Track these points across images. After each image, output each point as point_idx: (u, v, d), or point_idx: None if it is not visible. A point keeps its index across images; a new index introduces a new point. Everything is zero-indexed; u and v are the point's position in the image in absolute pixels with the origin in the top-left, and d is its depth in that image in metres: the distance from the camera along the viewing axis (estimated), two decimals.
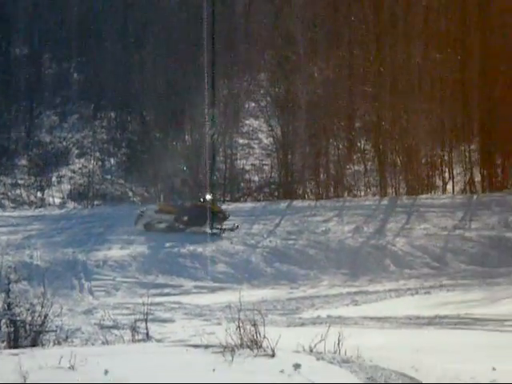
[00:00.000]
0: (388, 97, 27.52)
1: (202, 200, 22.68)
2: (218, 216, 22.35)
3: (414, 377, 7.33)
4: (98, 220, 24.28)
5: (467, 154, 27.77)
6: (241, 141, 30.98)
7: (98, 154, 30.18)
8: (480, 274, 19.44)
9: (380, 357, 8.71)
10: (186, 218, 22.28)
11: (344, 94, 28.94)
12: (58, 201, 27.94)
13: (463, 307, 14.57)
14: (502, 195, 25.17)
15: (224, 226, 22.33)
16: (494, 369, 7.85)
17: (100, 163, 29.93)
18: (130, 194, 28.64)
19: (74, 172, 29.76)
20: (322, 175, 28.50)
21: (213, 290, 18.87)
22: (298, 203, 25.69)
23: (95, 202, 27.64)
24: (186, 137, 29.18)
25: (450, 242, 21.68)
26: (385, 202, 25.68)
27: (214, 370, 7.72)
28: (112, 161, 30.15)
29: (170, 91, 28.90)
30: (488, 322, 12.69)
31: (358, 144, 29.66)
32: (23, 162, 30.33)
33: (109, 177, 29.30)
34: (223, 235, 22.00)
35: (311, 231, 22.54)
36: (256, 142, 31.48)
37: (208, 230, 21.96)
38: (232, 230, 22.25)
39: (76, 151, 30.88)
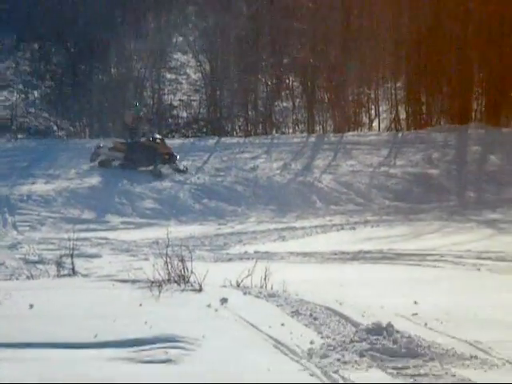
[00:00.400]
0: (317, 33, 27.46)
1: (151, 139, 22.11)
2: (166, 157, 21.88)
3: (337, 310, 7.47)
4: (21, 154, 23.82)
5: (393, 92, 28.04)
6: (168, 76, 30.58)
7: (21, 87, 29.43)
8: (403, 210, 19.81)
9: (305, 291, 8.85)
10: (134, 157, 21.83)
11: (273, 30, 28.77)
12: None
13: (387, 242, 14.85)
14: (426, 132, 25.56)
15: (175, 167, 21.95)
16: (415, 302, 8.05)
17: (23, 96, 29.22)
18: (55, 128, 28.11)
19: None
20: (250, 112, 28.44)
21: (140, 226, 18.81)
22: (226, 140, 25.63)
23: (19, 136, 27.07)
24: (112, 70, 28.66)
25: (374, 178, 21.99)
26: (312, 139, 25.83)
27: (140, 304, 7.74)
28: (36, 93, 29.46)
29: (95, 23, 28.23)
30: (410, 256, 12.97)
31: (287, 81, 29.63)
32: None
33: (32, 110, 28.67)
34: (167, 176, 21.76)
35: (239, 168, 22.57)
36: (184, 77, 31.11)
37: (157, 171, 21.59)
38: (183, 171, 21.91)
39: None
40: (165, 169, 22.06)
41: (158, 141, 22.05)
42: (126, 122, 22.74)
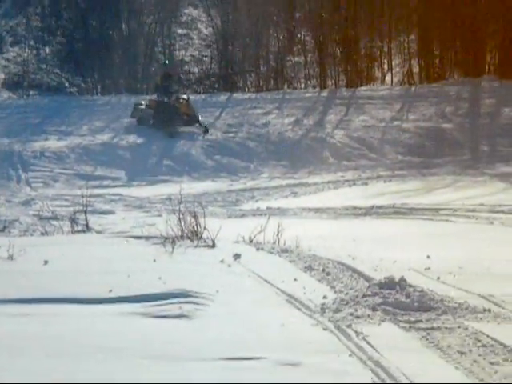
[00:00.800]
0: None
1: (176, 98, 21.82)
2: (185, 117, 21.66)
3: (350, 265, 7.49)
4: (34, 110, 23.82)
5: (406, 45, 27.77)
6: (179, 31, 30.37)
7: (32, 43, 29.33)
8: (416, 165, 19.75)
9: (318, 246, 8.89)
10: (160, 116, 21.50)
11: None
12: None
13: (399, 197, 14.85)
14: (439, 86, 25.35)
15: (197, 129, 21.73)
16: (428, 257, 8.07)
17: (35, 52, 29.13)
18: (67, 84, 28.04)
19: (8, 61, 28.91)
20: (262, 67, 28.25)
21: (153, 183, 18.85)
22: (238, 96, 25.52)
23: (31, 92, 27.03)
24: (123, 25, 28.48)
25: (387, 133, 21.90)
26: (324, 94, 25.67)
27: (154, 260, 7.79)
28: (47, 50, 29.35)
29: None
30: (423, 211, 12.97)
31: (298, 35, 29.36)
32: None
33: (44, 66, 28.58)
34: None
35: (251, 124, 22.51)
36: (195, 32, 30.87)
37: (171, 131, 21.35)
38: (205, 132, 21.63)
39: (9, 39, 29.93)
40: (193, 128, 21.81)
41: (181, 101, 21.86)
42: (156, 80, 22.84)
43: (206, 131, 21.65)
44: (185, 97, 22.25)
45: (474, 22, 25.95)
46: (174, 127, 21.56)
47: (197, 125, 21.83)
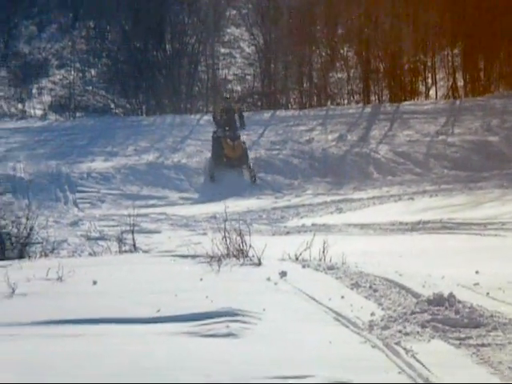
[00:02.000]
0: (371, 1, 27.12)
1: (234, 138, 20.29)
2: (224, 160, 20.25)
3: (397, 281, 7.43)
4: (80, 132, 24.14)
5: (450, 59, 27.60)
6: (222, 50, 30.58)
7: (78, 65, 29.77)
8: (463, 179, 19.58)
9: (364, 263, 8.84)
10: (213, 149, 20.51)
11: (326, 0, 28.51)
12: (39, 113, 27.68)
13: (446, 212, 14.72)
14: (484, 99, 25.14)
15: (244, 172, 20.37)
16: (477, 272, 7.98)
17: (80, 74, 29.56)
18: (112, 105, 28.40)
19: (54, 83, 29.40)
20: (305, 84, 28.30)
21: (198, 202, 18.94)
22: (281, 113, 25.58)
23: (77, 114, 27.42)
24: (167, 46, 28.78)
25: (432, 147, 21.75)
26: (368, 109, 25.61)
27: (201, 279, 7.82)
28: (92, 72, 29.77)
29: None
30: (470, 226, 12.84)
31: (341, 51, 29.38)
32: (2, 73, 29.91)
33: (90, 88, 28.98)
34: None
35: (295, 141, 22.53)
36: (238, 51, 31.08)
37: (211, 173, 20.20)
38: (253, 179, 20.03)
39: (55, 62, 30.44)
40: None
41: (228, 141, 20.19)
42: (214, 112, 21.61)
43: (254, 179, 20.01)
44: (239, 135, 20.55)
45: None
46: (218, 169, 20.21)
47: (244, 166, 20.28)
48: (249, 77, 29.47)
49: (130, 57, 28.58)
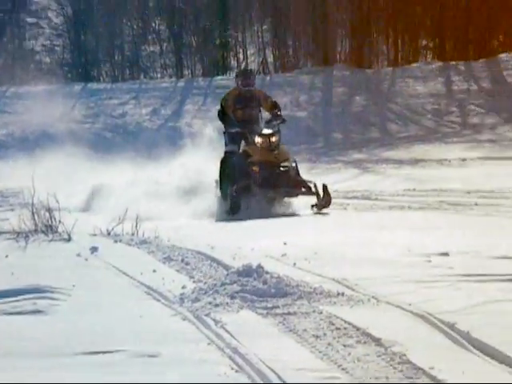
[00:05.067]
0: None
1: None
2: None
3: (209, 254, 7.51)
4: None
5: (260, 35, 28.11)
6: (29, 20, 29.51)
7: None
8: None
9: (177, 236, 8.87)
10: None
11: None
12: None
13: None
14: (293, 75, 25.81)
15: None
16: (285, 243, 8.16)
17: None
18: None
19: None
20: (116, 57, 27.90)
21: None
22: (92, 86, 25.10)
23: None
24: None
25: None
26: (181, 83, 25.64)
27: (6, 256, 7.57)
28: None
29: None
30: None
31: (153, 24, 29.18)
32: None
33: None
34: None
35: (108, 114, 22.21)
36: (46, 21, 30.12)
37: None
38: None
39: None
40: None
41: None
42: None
43: None
44: None
45: (325, 12, 26.57)
46: None
47: None
48: (58, 48, 28.66)
49: None
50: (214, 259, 7.27)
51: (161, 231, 8.94)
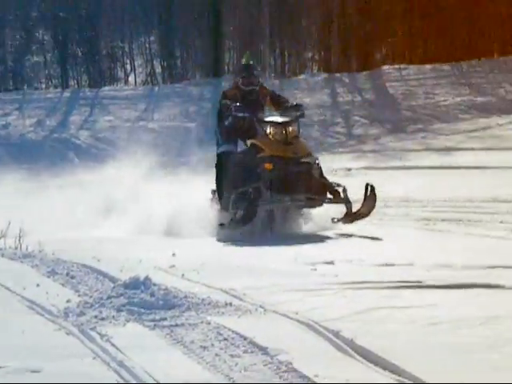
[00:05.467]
0: None
1: None
2: None
3: (95, 267, 7.39)
4: None
5: (147, 46, 28.01)
6: None
7: None
8: (162, 164, 19.92)
9: (62, 250, 8.70)
10: None
11: None
12: None
13: None
14: (182, 86, 25.81)
15: None
16: (173, 254, 8.12)
17: None
18: None
19: None
20: None
21: None
22: None
23: None
24: None
25: (133, 133, 21.92)
26: (67, 94, 25.25)
27: None
28: None
29: None
30: None
31: (37, 34, 28.61)
32: None
33: None
34: None
35: None
36: None
37: None
38: None
39: None
40: None
41: None
42: None
43: None
44: None
45: (214, 24, 26.72)
46: None
47: None
48: None
49: None
50: (100, 272, 7.17)
51: (46, 245, 8.75)
